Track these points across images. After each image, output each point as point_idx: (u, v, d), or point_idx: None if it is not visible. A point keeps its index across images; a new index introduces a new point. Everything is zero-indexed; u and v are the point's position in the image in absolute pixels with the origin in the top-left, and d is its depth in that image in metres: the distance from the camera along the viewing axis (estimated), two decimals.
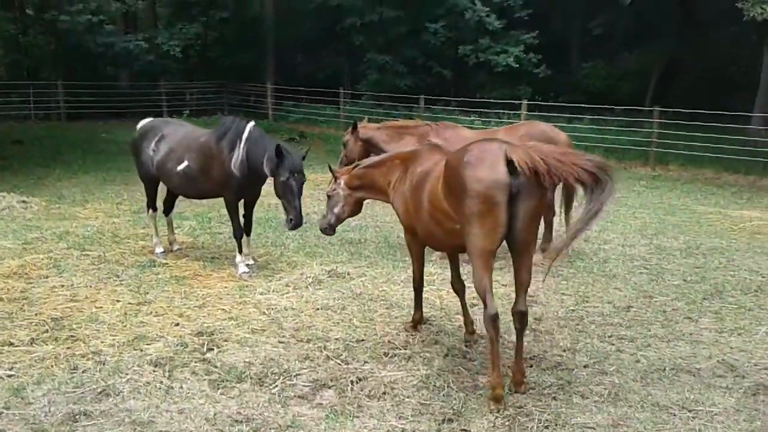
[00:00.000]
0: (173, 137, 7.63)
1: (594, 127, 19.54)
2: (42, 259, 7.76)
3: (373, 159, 6.02)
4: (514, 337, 4.73)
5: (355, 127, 8.91)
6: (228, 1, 26.40)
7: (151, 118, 8.36)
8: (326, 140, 22.08)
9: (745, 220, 11.12)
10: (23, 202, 11.22)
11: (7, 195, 11.42)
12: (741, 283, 7.43)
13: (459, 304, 5.95)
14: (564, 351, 5.38)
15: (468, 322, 5.67)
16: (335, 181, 6.05)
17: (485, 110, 21.95)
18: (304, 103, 26.47)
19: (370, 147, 8.75)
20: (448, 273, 7.35)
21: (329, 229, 6.12)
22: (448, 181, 4.54)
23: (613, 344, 5.57)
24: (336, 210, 6.02)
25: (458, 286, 5.65)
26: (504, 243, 4.43)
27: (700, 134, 16.38)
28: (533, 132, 8.08)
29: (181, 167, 7.43)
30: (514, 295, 4.63)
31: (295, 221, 6.79)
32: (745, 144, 16.52)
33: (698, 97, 23.83)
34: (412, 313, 5.88)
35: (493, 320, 4.35)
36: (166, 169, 7.56)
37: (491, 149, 4.38)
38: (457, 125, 9.00)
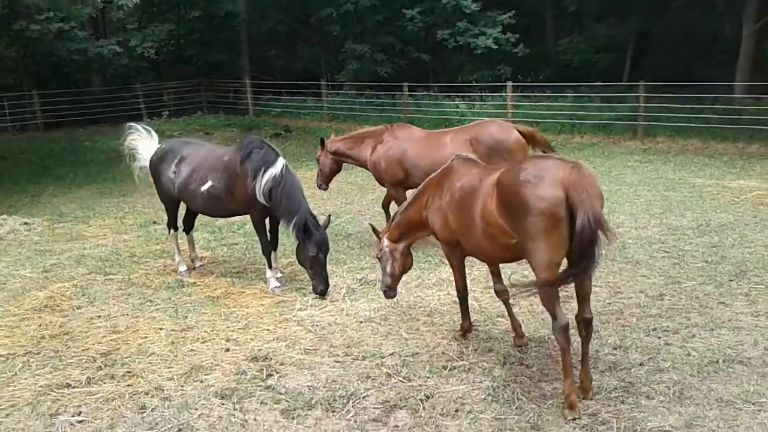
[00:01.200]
0: (194, 158, 7.58)
1: (577, 104, 19.70)
2: (68, 288, 7.71)
3: (406, 201, 5.97)
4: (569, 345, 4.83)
5: (323, 144, 9.28)
6: (199, 0, 25.96)
7: (170, 140, 8.29)
8: (312, 133, 21.99)
9: (745, 191, 11.36)
10: (26, 224, 11.11)
11: (8, 218, 11.29)
12: (761, 261, 7.62)
13: (499, 305, 6.18)
14: (615, 349, 5.50)
15: (517, 326, 5.75)
16: (380, 241, 6.05)
17: (469, 93, 22.01)
18: (284, 97, 26.30)
19: (339, 157, 9.20)
20: (476, 272, 7.56)
21: (390, 291, 6.00)
22: (506, 199, 4.62)
23: (660, 337, 5.71)
24: (388, 269, 5.96)
25: (502, 292, 5.72)
26: None
27: (686, 105, 16.67)
28: (482, 135, 8.19)
29: (205, 187, 7.39)
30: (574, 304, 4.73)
31: (325, 289, 7.06)
32: (731, 113, 16.80)
33: (674, 67, 24.20)
34: (461, 321, 5.96)
35: (564, 330, 4.48)
36: (189, 191, 7.52)
37: (548, 167, 4.51)
38: (410, 125, 9.35)
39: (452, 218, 5.32)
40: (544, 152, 8.06)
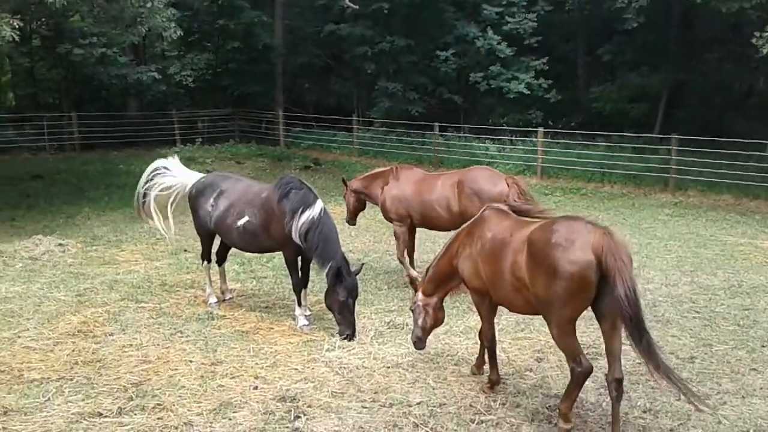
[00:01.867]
0: (232, 192, 7.73)
1: (608, 153, 19.69)
2: (101, 313, 7.85)
3: (439, 252, 6.09)
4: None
5: (345, 183, 9.96)
6: (238, 31, 26.55)
7: (210, 173, 8.48)
8: (341, 167, 22.23)
9: None
10: (60, 245, 11.31)
11: (44, 238, 11.51)
12: None
13: (528, 357, 6.49)
14: (645, 412, 5.47)
15: (481, 364, 6.18)
16: (415, 294, 6.24)
17: (499, 137, 22.13)
18: (315, 130, 26.65)
19: (358, 195, 9.76)
20: (504, 322, 7.56)
21: (419, 343, 6.20)
22: (536, 259, 4.78)
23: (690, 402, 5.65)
24: (420, 322, 6.14)
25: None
26: None
27: (718, 161, 16.59)
28: (468, 181, 8.50)
29: (241, 222, 7.52)
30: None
31: (352, 334, 7.10)
32: (765, 170, 16.67)
33: (707, 119, 24.15)
34: (489, 373, 5.96)
35: (588, 374, 4.83)
36: (225, 225, 7.66)
37: (579, 230, 4.67)
38: (414, 167, 9.96)
39: (483, 268, 5.44)
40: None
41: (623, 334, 4.72)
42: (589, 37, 27.21)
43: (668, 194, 16.97)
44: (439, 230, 9.29)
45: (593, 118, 24.68)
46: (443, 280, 6.00)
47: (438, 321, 6.21)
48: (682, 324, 7.68)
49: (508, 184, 8.38)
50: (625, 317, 4.47)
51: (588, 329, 7.26)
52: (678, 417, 5.37)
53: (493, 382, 5.92)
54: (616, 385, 4.76)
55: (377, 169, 9.88)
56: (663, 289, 9.04)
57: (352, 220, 10.00)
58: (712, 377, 6.20)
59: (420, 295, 6.16)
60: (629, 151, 19.47)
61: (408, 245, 9.31)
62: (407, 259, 9.18)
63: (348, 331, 7.09)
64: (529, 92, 23.01)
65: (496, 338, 6.87)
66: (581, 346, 6.58)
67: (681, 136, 17.33)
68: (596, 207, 15.65)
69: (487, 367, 6.21)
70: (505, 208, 6.06)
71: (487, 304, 5.72)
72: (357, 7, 23.74)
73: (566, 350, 4.85)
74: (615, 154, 19.50)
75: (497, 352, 6.05)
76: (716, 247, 11.57)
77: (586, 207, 15.63)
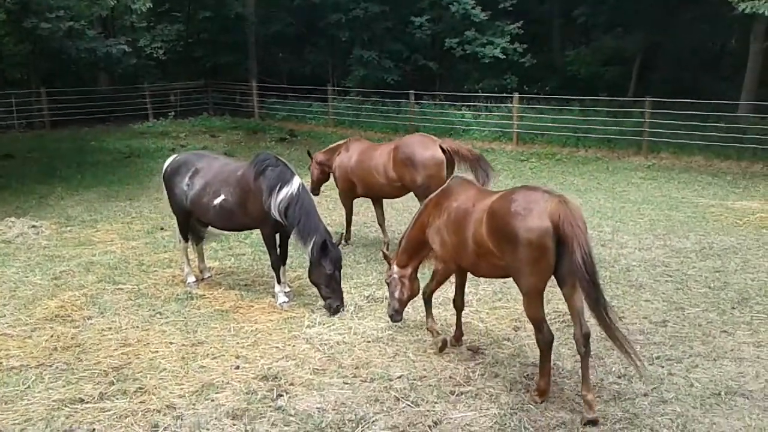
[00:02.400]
0: (208, 171, 7.68)
1: (582, 117, 19.77)
2: (78, 297, 7.81)
3: (409, 223, 6.25)
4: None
5: (310, 156, 10.40)
6: (209, 0, 26.06)
7: (183, 153, 8.39)
8: (317, 138, 22.11)
9: (748, 213, 11.45)
10: (34, 227, 11.18)
11: (17, 220, 11.39)
12: (763, 288, 7.72)
13: (505, 327, 6.71)
14: (619, 378, 5.60)
15: (459, 335, 6.34)
16: (389, 267, 6.36)
17: (475, 103, 22.09)
18: (290, 101, 26.39)
19: (322, 166, 10.09)
20: (482, 292, 7.67)
21: (396, 315, 6.37)
22: (496, 228, 5.02)
23: (663, 366, 5.81)
24: (396, 294, 6.32)
25: (459, 304, 6.27)
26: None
27: (690, 122, 16.75)
28: (402, 147, 8.84)
29: (217, 201, 7.49)
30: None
31: (341, 305, 7.18)
32: (735, 131, 16.87)
33: (680, 80, 24.29)
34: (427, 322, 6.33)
35: (550, 344, 5.13)
36: (202, 204, 7.61)
37: (536, 199, 4.89)
38: (363, 140, 10.20)
39: (448, 238, 5.68)
40: (480, 168, 8.50)
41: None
42: None
43: (641, 157, 17.15)
44: (383, 197, 9.68)
45: (568, 82, 24.70)
46: (416, 249, 6.16)
47: (414, 292, 6.34)
48: (655, 288, 7.83)
49: (443, 149, 8.60)
50: (583, 281, 4.67)
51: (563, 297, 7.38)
52: (651, 381, 5.51)
53: (433, 330, 6.25)
54: (584, 341, 4.97)
55: (338, 142, 10.15)
56: (636, 254, 9.19)
57: (315, 190, 10.27)
58: (684, 340, 6.35)
59: (395, 267, 6.28)
60: (603, 115, 19.56)
61: (378, 215, 9.79)
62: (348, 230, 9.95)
63: (337, 302, 7.13)
64: (504, 57, 22.93)
65: (474, 308, 7.04)
66: (558, 313, 6.77)
67: (654, 99, 17.43)
68: (571, 172, 15.77)
69: (465, 338, 6.36)
70: (470, 178, 6.18)
71: (449, 273, 6.00)
72: None
73: (532, 319, 5.12)
74: (589, 118, 19.59)
75: (476, 322, 6.22)
76: (688, 210, 11.76)
77: (561, 172, 15.76)
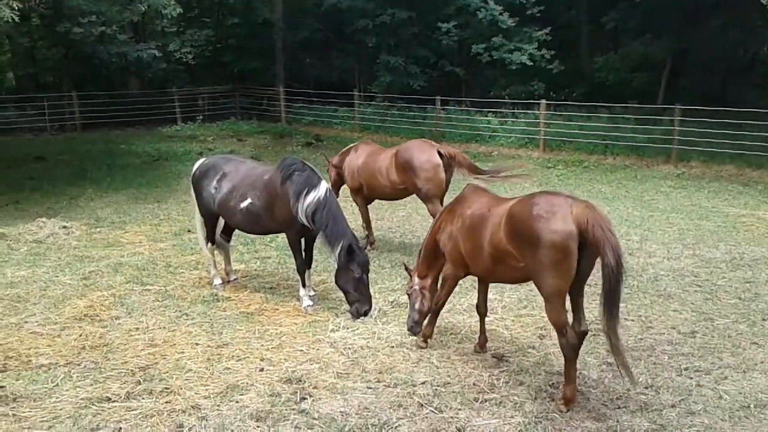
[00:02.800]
0: (235, 175, 7.74)
1: (611, 124, 19.56)
2: (107, 297, 7.91)
3: (427, 234, 6.35)
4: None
5: (327, 159, 10.71)
6: (238, 6, 26.34)
7: (211, 157, 8.48)
8: (343, 143, 22.05)
9: None
10: (64, 227, 11.35)
11: (48, 221, 11.56)
12: None
13: (530, 335, 6.67)
14: (647, 388, 5.52)
15: (483, 341, 6.30)
16: (411, 279, 6.43)
17: (501, 110, 22.00)
18: (316, 106, 26.53)
19: (336, 169, 10.31)
20: (507, 299, 7.63)
21: (416, 327, 6.44)
22: (516, 230, 5.05)
23: (691, 378, 5.72)
24: (417, 306, 6.41)
25: (483, 310, 6.25)
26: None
27: (720, 131, 16.50)
28: (402, 152, 9.14)
29: (244, 204, 7.55)
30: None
31: (369, 309, 7.18)
32: (767, 140, 16.57)
33: (710, 87, 23.96)
34: (427, 326, 6.42)
35: (574, 348, 5.09)
36: (229, 207, 7.68)
37: (560, 203, 4.92)
38: (372, 143, 10.31)
39: (463, 244, 5.73)
40: (478, 175, 8.79)
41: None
42: (593, 4, 26.88)
43: (671, 165, 16.93)
44: (387, 199, 10.04)
45: (596, 88, 24.49)
46: (433, 259, 6.23)
47: (435, 302, 6.35)
48: (684, 298, 7.72)
49: (441, 154, 8.88)
50: (610, 285, 4.71)
51: (590, 305, 7.31)
52: (679, 392, 5.43)
53: (426, 336, 6.37)
54: (580, 337, 5.12)
55: (350, 145, 10.41)
56: (665, 263, 9.06)
57: (334, 193, 10.52)
58: (713, 351, 6.25)
59: (415, 278, 6.36)
60: (632, 122, 19.35)
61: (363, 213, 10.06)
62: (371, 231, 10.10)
63: (366, 306, 7.14)
64: (531, 63, 22.78)
65: (499, 315, 7.02)
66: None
67: (684, 107, 17.22)
68: (599, 179, 15.62)
69: (490, 345, 6.34)
70: (484, 186, 6.25)
71: (456, 278, 6.07)
72: None
73: (555, 323, 5.11)
74: (618, 125, 19.39)
75: (501, 329, 6.33)
76: (718, 219, 11.57)
77: (589, 180, 15.62)
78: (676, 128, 17.21)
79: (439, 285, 6.29)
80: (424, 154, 8.88)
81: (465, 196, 5.96)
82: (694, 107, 17.20)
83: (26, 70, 27.66)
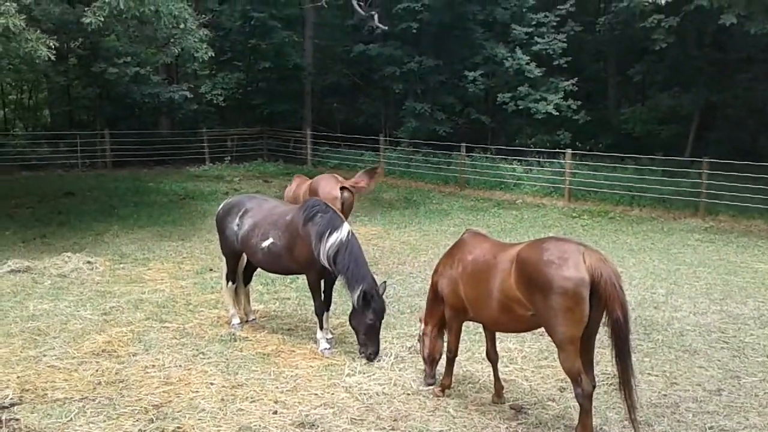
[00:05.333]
0: (258, 212, 7.81)
1: (637, 176, 19.45)
2: (125, 333, 7.94)
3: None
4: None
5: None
6: (269, 51, 26.95)
7: (237, 196, 8.59)
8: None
9: None
10: (89, 262, 11.47)
11: (73, 255, 11.70)
12: None
13: (550, 387, 6.51)
14: None
15: (499, 388, 6.17)
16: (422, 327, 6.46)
17: (526, 158, 22.02)
18: (342, 149, 26.79)
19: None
20: (528, 349, 7.49)
21: (427, 378, 6.45)
22: (527, 276, 5.00)
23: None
24: (426, 354, 6.41)
25: (493, 357, 6.17)
26: None
27: (750, 185, 16.29)
28: (312, 183, 10.71)
29: (266, 243, 7.58)
30: None
31: (376, 353, 7.18)
32: None
33: (739, 141, 23.77)
34: (442, 379, 6.30)
35: (589, 397, 5.02)
36: (251, 244, 7.72)
37: (571, 250, 4.92)
38: (302, 176, 11.93)
39: (464, 289, 5.70)
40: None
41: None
42: (620, 56, 27.04)
43: (698, 219, 16.68)
44: None
45: (623, 139, 24.44)
46: (434, 304, 6.21)
47: (434, 349, 6.32)
48: (710, 354, 7.51)
49: (342, 188, 10.26)
50: (619, 340, 4.79)
51: (613, 359, 7.14)
52: None
53: (445, 387, 6.27)
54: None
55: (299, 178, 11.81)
56: (691, 318, 8.86)
57: None
58: (739, 411, 6.05)
59: (422, 325, 6.37)
60: (659, 174, 19.18)
61: None
62: None
63: (372, 350, 7.10)
64: (557, 113, 22.85)
65: (519, 365, 6.89)
66: (604, 376, 6.54)
67: (712, 160, 17.04)
68: (624, 231, 15.44)
69: (508, 396, 6.19)
70: (484, 231, 6.25)
71: (460, 321, 6.04)
72: (386, 27, 23.92)
73: (568, 371, 5.03)
74: (644, 177, 19.24)
75: (520, 380, 6.27)
76: (747, 275, 11.33)
77: (614, 231, 15.45)
78: (704, 181, 17.00)
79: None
80: (328, 187, 10.32)
81: (464, 240, 5.97)
82: (723, 161, 17.01)
83: (61, 108, 28.36)
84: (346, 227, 7.23)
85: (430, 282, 6.17)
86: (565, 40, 23.39)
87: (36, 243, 13.38)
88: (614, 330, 4.69)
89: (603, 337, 5.21)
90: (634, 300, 9.19)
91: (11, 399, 6.07)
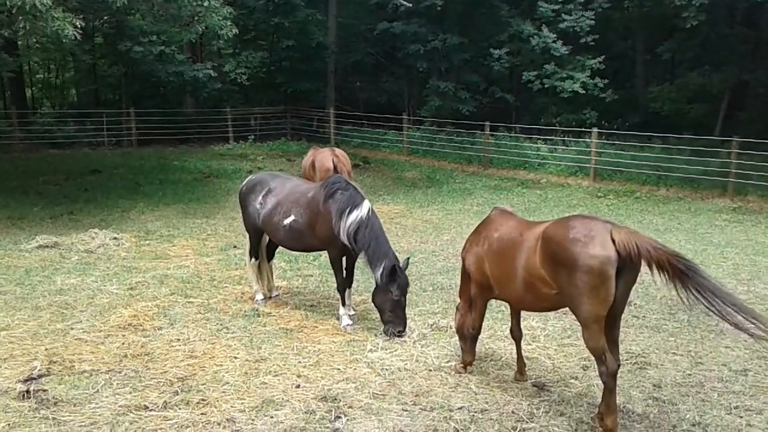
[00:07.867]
0: (280, 191, 7.82)
1: (664, 155, 19.14)
2: (151, 307, 8.04)
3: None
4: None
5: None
6: (293, 29, 26.86)
7: (260, 173, 8.60)
8: (390, 166, 22.27)
9: None
10: (115, 238, 11.60)
11: (100, 232, 11.84)
12: None
13: (574, 365, 6.44)
14: (694, 425, 5.30)
15: (522, 366, 6.16)
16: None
17: (551, 137, 21.78)
18: (365, 128, 26.73)
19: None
20: (551, 328, 7.45)
21: (463, 354, 6.37)
22: (552, 254, 4.95)
23: (741, 417, 5.46)
24: (455, 328, 6.43)
25: (517, 334, 6.15)
26: None
27: None
28: (316, 154, 11.91)
29: (287, 221, 7.60)
30: None
31: (403, 330, 7.13)
32: None
33: None
34: (462, 355, 6.31)
35: (614, 375, 4.94)
36: (273, 223, 7.74)
37: (598, 228, 4.85)
38: (317, 147, 12.88)
39: (489, 266, 5.68)
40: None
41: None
42: (649, 34, 26.50)
43: (726, 199, 16.40)
44: None
45: (650, 118, 24.05)
46: (465, 280, 6.19)
47: (464, 325, 6.24)
48: (736, 334, 7.38)
49: (333, 161, 11.34)
50: (698, 275, 4.75)
51: (637, 338, 7.10)
52: (729, 431, 5.18)
53: (467, 364, 6.27)
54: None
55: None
56: None
57: None
58: (765, 391, 5.97)
59: (459, 308, 6.37)
60: (687, 154, 18.87)
61: None
62: None
63: (400, 327, 7.08)
64: (584, 92, 22.52)
65: (542, 343, 6.86)
66: (628, 355, 6.49)
67: (742, 139, 16.71)
68: (650, 211, 15.25)
69: (531, 373, 6.17)
70: (511, 210, 6.21)
71: (485, 298, 6.01)
72: (410, 4, 23.72)
73: (592, 350, 4.97)
74: (672, 156, 18.94)
75: (543, 358, 6.23)
76: None
77: (640, 210, 15.26)
78: (733, 161, 16.70)
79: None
80: (323, 158, 11.48)
81: (492, 218, 5.95)
82: (753, 140, 16.67)
83: (88, 86, 28.65)
84: (366, 204, 7.20)
85: (454, 260, 6.15)
86: (593, 17, 22.95)
87: (63, 219, 13.58)
88: (687, 275, 4.66)
89: (627, 316, 5.14)
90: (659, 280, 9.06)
91: (39, 370, 6.18)
